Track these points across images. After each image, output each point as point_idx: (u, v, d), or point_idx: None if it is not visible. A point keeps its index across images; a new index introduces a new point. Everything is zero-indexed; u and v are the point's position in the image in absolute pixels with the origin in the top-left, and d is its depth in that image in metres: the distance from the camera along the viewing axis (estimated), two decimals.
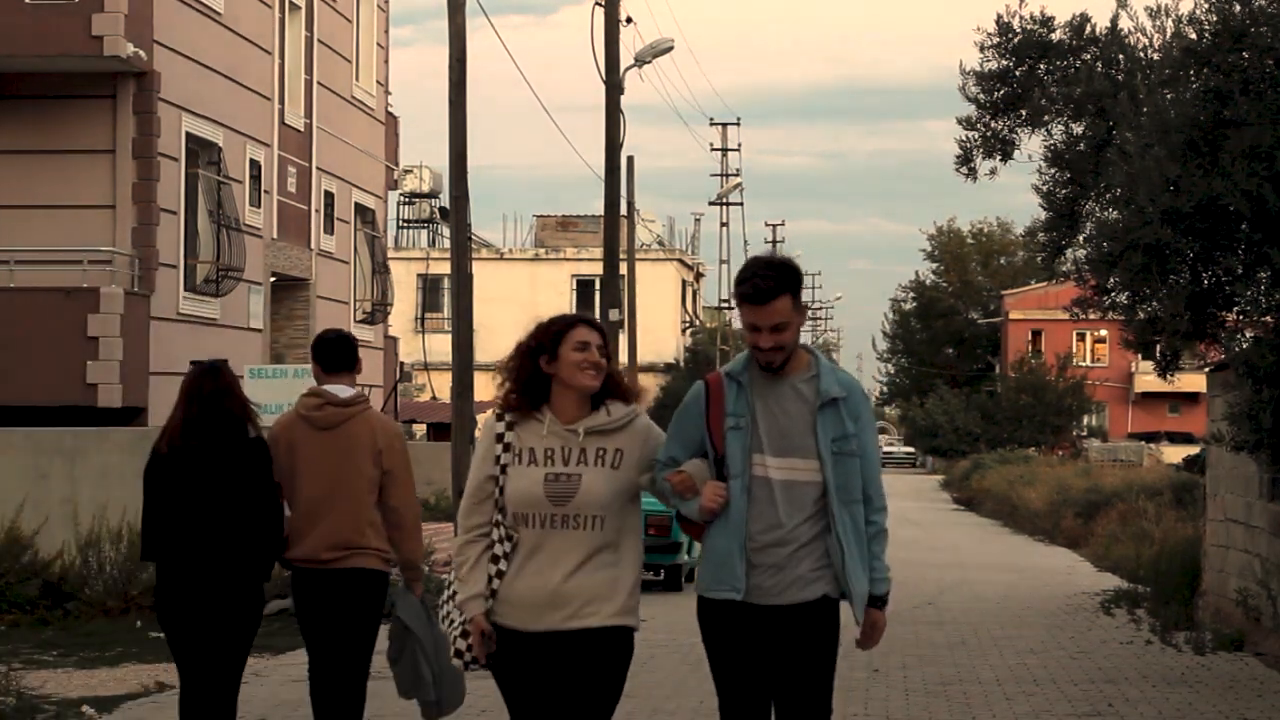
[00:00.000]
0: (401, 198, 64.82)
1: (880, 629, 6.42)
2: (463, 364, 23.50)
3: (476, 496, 6.29)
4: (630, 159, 43.99)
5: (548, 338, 6.26)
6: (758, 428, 6.25)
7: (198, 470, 7.92)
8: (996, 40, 18.15)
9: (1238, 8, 13.75)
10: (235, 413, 8.00)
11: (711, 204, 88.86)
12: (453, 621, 6.38)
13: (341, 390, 8.34)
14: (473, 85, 23.87)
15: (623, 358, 41.75)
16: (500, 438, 6.23)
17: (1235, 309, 14.82)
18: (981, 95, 18.31)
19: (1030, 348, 79.69)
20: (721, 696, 6.37)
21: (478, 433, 6.12)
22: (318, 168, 31.36)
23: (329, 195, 32.13)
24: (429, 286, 66.94)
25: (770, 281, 6.20)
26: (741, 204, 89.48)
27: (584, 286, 67.39)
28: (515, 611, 6.22)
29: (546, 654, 6.21)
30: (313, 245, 31.18)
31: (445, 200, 35.81)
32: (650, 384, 64.35)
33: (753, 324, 6.21)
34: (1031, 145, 18.34)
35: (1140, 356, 30.68)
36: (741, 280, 6.25)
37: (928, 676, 13.54)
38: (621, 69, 34.46)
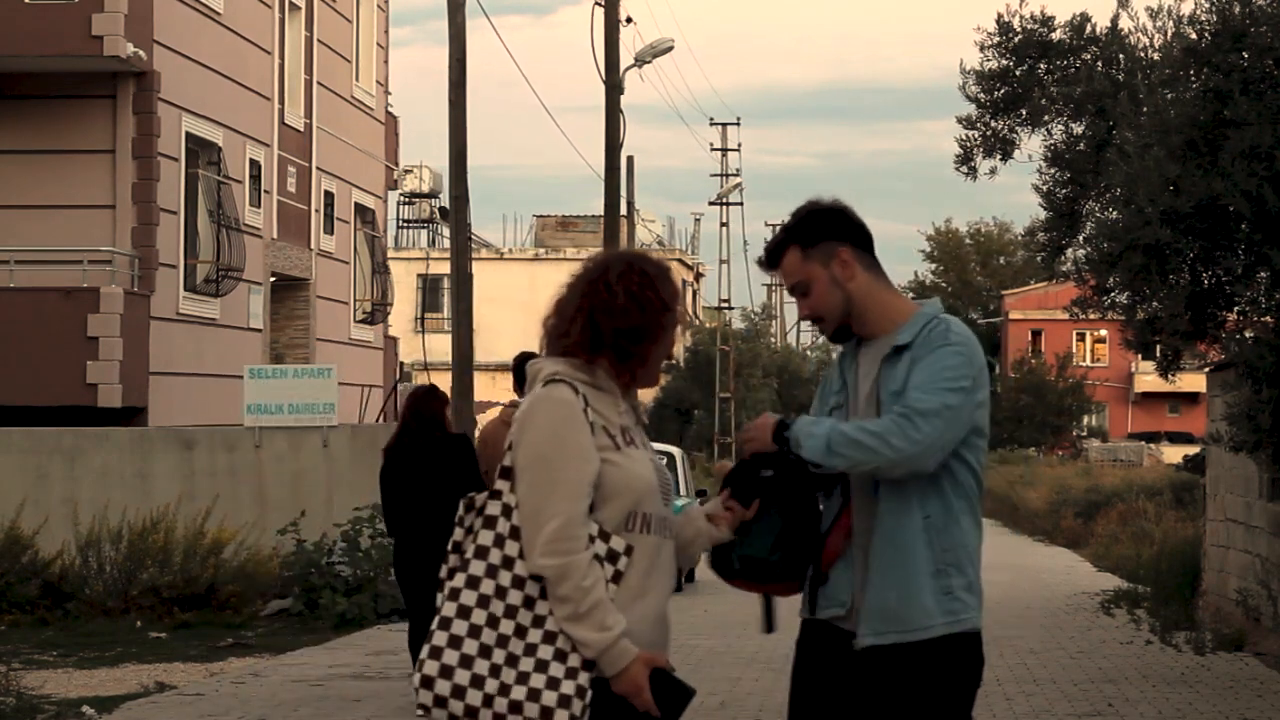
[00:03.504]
0: (401, 198, 64.71)
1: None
2: (463, 364, 23.48)
3: (589, 496, 4.42)
4: (630, 159, 44.02)
5: (674, 294, 4.58)
6: (854, 408, 4.87)
7: (415, 464, 10.87)
8: (997, 40, 18.18)
9: (1238, 8, 13.75)
10: (440, 420, 11.01)
11: (711, 204, 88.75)
12: (584, 690, 4.37)
13: None
14: (473, 85, 23.86)
15: None
16: (584, 413, 4.45)
17: (1235, 309, 14.82)
18: (982, 95, 18.33)
19: (1030, 348, 79.68)
20: None
21: (537, 413, 4.47)
22: (318, 168, 31.34)
23: (329, 195, 32.11)
24: (429, 286, 66.88)
25: (780, 235, 4.89)
26: (741, 204, 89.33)
27: None
28: (641, 646, 4.52)
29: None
30: (313, 245, 31.16)
31: (445, 200, 35.80)
32: None
33: None
34: (1031, 145, 18.39)
35: (1140, 356, 30.65)
36: None
37: None
38: (621, 69, 34.45)
